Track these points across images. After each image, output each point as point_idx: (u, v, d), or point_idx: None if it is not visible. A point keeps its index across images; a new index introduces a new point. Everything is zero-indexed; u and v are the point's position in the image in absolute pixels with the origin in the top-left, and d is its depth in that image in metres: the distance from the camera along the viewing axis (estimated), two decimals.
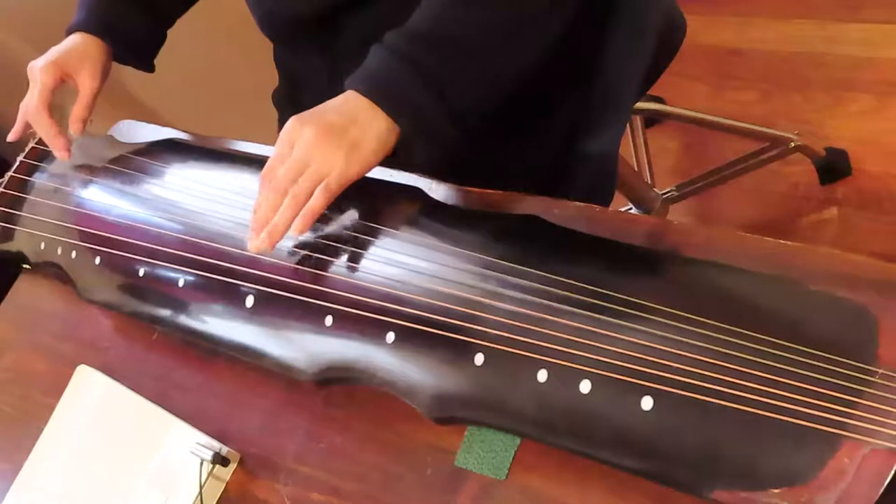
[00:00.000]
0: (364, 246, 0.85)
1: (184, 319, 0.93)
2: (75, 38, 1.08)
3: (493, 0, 0.85)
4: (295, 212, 0.82)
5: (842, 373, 0.62)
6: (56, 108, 1.07)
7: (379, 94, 0.83)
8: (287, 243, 0.88)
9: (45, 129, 1.06)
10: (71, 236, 1.05)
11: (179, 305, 0.94)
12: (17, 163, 1.15)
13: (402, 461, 0.79)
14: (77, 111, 1.07)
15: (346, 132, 0.82)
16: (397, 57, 0.84)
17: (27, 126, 1.08)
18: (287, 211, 0.82)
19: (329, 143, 0.82)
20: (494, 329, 0.75)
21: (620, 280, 0.73)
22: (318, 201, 0.82)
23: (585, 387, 0.70)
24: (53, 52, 1.07)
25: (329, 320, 0.83)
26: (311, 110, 0.85)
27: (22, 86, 1.08)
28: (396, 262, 0.82)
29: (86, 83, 1.07)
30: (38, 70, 1.05)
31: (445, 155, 0.87)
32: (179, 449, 0.85)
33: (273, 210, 0.83)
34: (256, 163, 1.01)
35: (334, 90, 1.06)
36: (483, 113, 0.88)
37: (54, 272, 1.06)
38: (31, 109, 1.06)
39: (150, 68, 1.16)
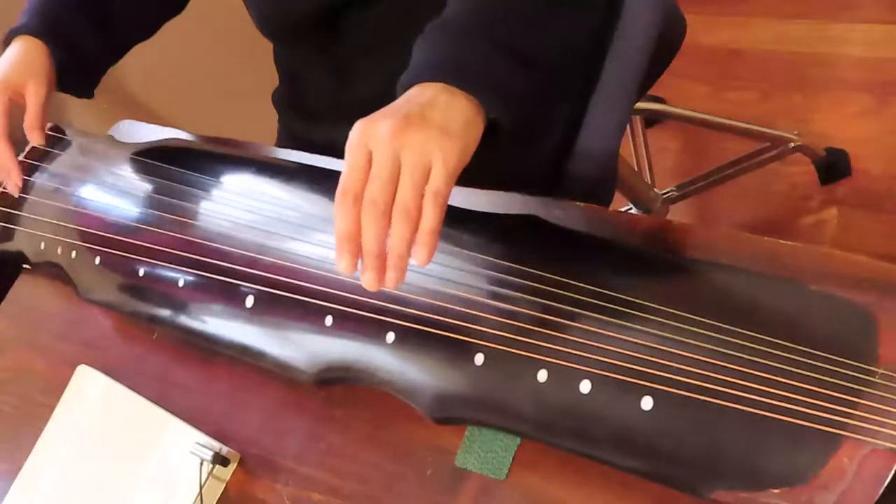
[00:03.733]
0: None
1: (184, 319, 0.93)
2: (16, 47, 1.04)
3: None
4: (411, 229, 0.68)
5: (842, 373, 0.62)
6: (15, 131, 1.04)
7: (448, 73, 0.72)
8: (289, 244, 0.88)
9: (5, 160, 1.02)
10: (71, 236, 1.05)
11: (179, 305, 0.94)
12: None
13: (402, 461, 0.79)
14: (30, 120, 1.02)
15: (427, 118, 0.69)
16: (451, 35, 0.76)
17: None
18: (403, 231, 0.68)
19: (413, 131, 0.68)
20: (494, 329, 0.75)
21: (620, 280, 0.73)
22: (434, 219, 0.68)
23: (585, 387, 0.70)
24: None
25: (329, 320, 0.83)
26: (376, 112, 0.71)
27: None
28: None
29: (32, 92, 1.02)
30: None
31: (529, 128, 0.76)
32: (179, 449, 0.85)
33: (381, 238, 0.68)
34: (256, 163, 1.01)
35: (336, 90, 1.06)
36: (557, 65, 0.78)
37: (54, 272, 1.06)
38: None
39: (89, 93, 1.12)
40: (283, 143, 1.18)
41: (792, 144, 1.62)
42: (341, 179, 0.69)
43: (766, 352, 0.65)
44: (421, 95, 0.72)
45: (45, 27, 1.05)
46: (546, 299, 0.73)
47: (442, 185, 0.68)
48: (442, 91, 0.71)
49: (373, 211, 0.67)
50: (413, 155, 0.68)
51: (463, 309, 0.77)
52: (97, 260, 1.01)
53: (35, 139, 1.04)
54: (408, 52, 1.00)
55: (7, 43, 1.06)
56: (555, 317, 0.73)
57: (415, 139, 0.68)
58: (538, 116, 0.77)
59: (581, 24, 0.81)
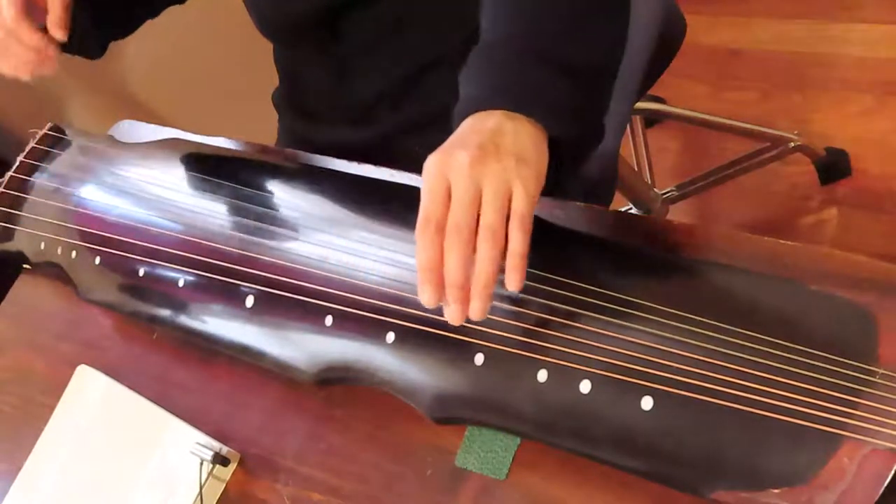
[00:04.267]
0: (364, 246, 0.85)
1: (184, 319, 0.93)
2: None
3: None
4: (499, 250, 0.68)
5: (842, 373, 0.62)
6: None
7: (506, 99, 0.72)
8: (289, 244, 0.89)
9: (35, 40, 0.94)
10: (71, 236, 1.05)
11: (179, 305, 0.94)
12: (17, 163, 1.14)
13: (402, 461, 0.79)
14: (54, 15, 0.95)
15: (501, 146, 0.69)
16: (499, 60, 0.75)
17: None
18: (490, 251, 0.67)
19: (491, 160, 0.68)
20: (494, 329, 0.74)
21: (620, 280, 0.73)
22: (521, 242, 0.68)
23: (585, 387, 0.70)
24: None
25: (329, 320, 0.83)
26: (445, 144, 0.72)
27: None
28: (396, 262, 0.82)
29: None
30: None
31: (591, 146, 0.77)
32: (179, 449, 0.85)
33: (465, 266, 0.67)
34: (257, 163, 1.01)
35: (336, 90, 1.06)
36: (603, 71, 0.78)
37: (54, 272, 1.06)
38: (8, 24, 0.92)
39: (96, 51, 1.07)
40: (283, 143, 1.18)
41: (792, 144, 1.62)
42: (422, 208, 0.68)
43: (766, 352, 0.65)
44: (484, 124, 0.71)
45: None
46: (546, 299, 0.73)
47: (526, 210, 0.68)
48: (504, 118, 0.71)
49: (457, 237, 0.67)
50: (494, 183, 0.68)
51: None
52: (97, 260, 1.01)
53: (60, 36, 0.96)
54: (407, 52, 1.00)
55: None
56: (555, 317, 0.73)
57: (494, 168, 0.68)
58: (593, 125, 0.77)
59: (617, 26, 0.80)
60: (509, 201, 0.68)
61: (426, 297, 0.68)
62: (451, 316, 0.68)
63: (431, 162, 0.70)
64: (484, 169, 0.68)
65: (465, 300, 0.68)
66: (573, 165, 0.77)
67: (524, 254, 0.68)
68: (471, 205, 0.68)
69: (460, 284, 0.67)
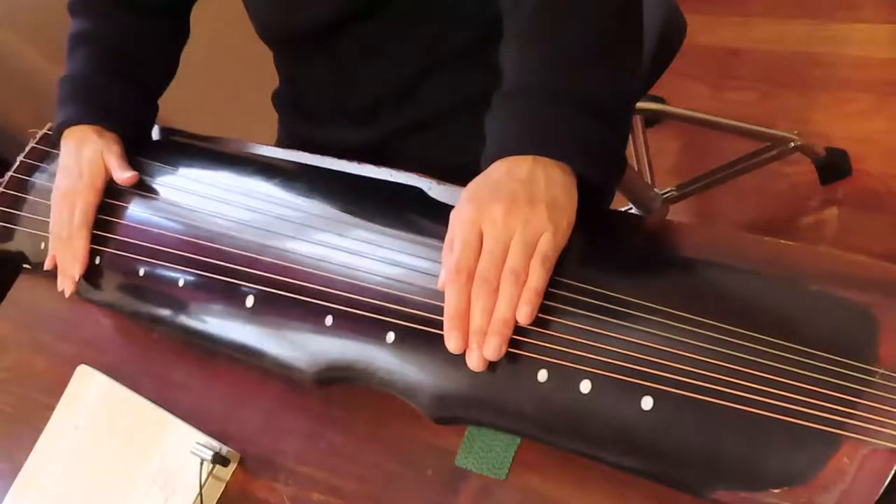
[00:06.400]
0: (364, 245, 0.85)
1: (184, 319, 0.93)
2: (77, 145, 1.02)
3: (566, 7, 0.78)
4: (518, 292, 0.71)
5: (842, 373, 0.62)
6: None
7: (536, 145, 0.74)
8: (289, 244, 0.89)
9: (79, 250, 0.99)
10: None
11: (179, 305, 0.94)
12: (17, 163, 1.14)
13: (402, 461, 0.79)
14: (118, 175, 1.01)
15: (534, 196, 0.72)
16: (524, 105, 0.77)
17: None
18: (510, 293, 0.71)
19: (524, 209, 0.72)
20: None
21: (620, 280, 0.73)
22: (540, 278, 0.71)
23: (585, 387, 0.70)
24: (73, 174, 1.00)
25: (329, 320, 0.83)
26: (476, 192, 0.75)
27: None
28: (396, 261, 0.82)
29: (112, 161, 1.01)
30: (78, 195, 0.99)
31: (621, 172, 0.78)
32: (179, 449, 0.85)
33: (490, 314, 0.71)
34: (257, 163, 1.01)
35: (336, 92, 1.06)
36: (628, 99, 0.79)
37: (54, 272, 1.05)
38: (73, 230, 0.99)
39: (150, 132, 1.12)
40: (283, 143, 1.18)
41: (792, 144, 1.62)
42: (455, 257, 0.72)
43: (766, 352, 0.65)
44: (515, 171, 0.74)
45: (89, 113, 1.04)
46: (546, 299, 0.73)
47: (551, 251, 0.72)
48: (535, 164, 0.74)
49: (486, 287, 0.71)
50: (525, 231, 0.72)
51: None
52: (97, 260, 1.01)
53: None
54: (408, 55, 1.00)
55: (58, 134, 1.04)
56: (555, 317, 0.73)
57: (526, 218, 0.72)
58: (619, 157, 0.79)
59: (637, 50, 0.81)
60: (537, 244, 0.72)
61: (453, 344, 0.72)
62: (473, 363, 0.71)
63: (467, 213, 0.73)
64: (517, 220, 0.72)
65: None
66: (601, 196, 0.79)
67: (540, 291, 0.71)
68: (501, 256, 0.71)
69: (484, 331, 0.71)
